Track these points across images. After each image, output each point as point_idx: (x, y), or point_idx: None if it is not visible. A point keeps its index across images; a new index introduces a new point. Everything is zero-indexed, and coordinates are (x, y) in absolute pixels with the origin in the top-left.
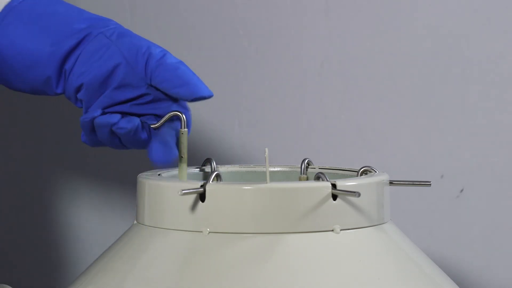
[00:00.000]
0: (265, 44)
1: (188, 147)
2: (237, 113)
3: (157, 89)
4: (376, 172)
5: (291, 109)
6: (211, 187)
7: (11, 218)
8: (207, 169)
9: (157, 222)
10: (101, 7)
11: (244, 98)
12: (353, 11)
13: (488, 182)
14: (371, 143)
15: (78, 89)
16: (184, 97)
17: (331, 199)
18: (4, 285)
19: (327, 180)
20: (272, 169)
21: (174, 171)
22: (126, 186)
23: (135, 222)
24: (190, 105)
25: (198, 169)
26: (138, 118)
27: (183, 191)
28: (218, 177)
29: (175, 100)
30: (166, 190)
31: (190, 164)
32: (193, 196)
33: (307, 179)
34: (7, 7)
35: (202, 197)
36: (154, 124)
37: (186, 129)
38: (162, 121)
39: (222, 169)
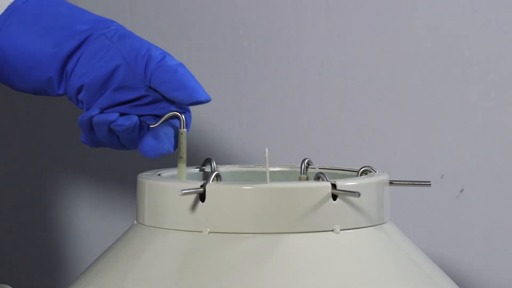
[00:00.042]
0: (265, 44)
1: (188, 147)
2: (237, 113)
3: (156, 91)
4: (376, 172)
5: (291, 109)
6: (211, 187)
7: (11, 218)
8: (207, 169)
9: (157, 222)
10: (101, 7)
11: (244, 98)
12: (353, 11)
13: (488, 182)
14: (371, 143)
15: (79, 90)
16: (181, 101)
17: (331, 199)
18: (4, 285)
19: (327, 180)
20: (272, 169)
21: (174, 171)
22: (126, 186)
23: (135, 222)
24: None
25: (198, 169)
26: (136, 116)
27: (183, 191)
28: (218, 177)
29: (172, 102)
30: (166, 190)
31: (190, 164)
32: (193, 196)
33: (307, 179)
34: (10, 8)
35: (202, 197)
36: (153, 124)
37: (185, 129)
38: (161, 121)
39: (222, 169)
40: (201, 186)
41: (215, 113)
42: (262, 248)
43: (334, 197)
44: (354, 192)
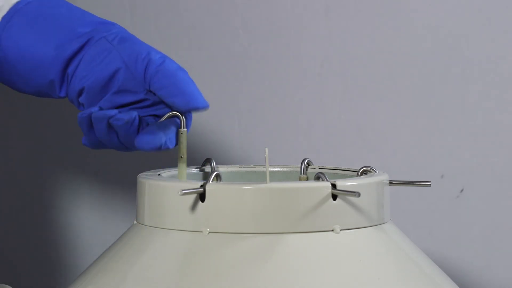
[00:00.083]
0: (265, 44)
1: (188, 147)
2: (237, 113)
3: (156, 95)
4: (376, 172)
5: (291, 109)
6: (211, 187)
7: (11, 218)
8: (207, 169)
9: (157, 222)
10: (101, 7)
11: (244, 98)
12: (353, 11)
13: (488, 182)
14: (371, 143)
15: (80, 93)
16: (179, 107)
17: (331, 199)
18: (4, 285)
19: (327, 180)
20: (272, 169)
21: (174, 171)
22: (126, 186)
23: (135, 222)
24: None
25: (198, 169)
26: (136, 112)
27: (183, 191)
28: (218, 177)
29: (171, 107)
30: (166, 190)
31: (190, 164)
32: (193, 196)
33: (307, 179)
34: (13, 9)
35: (202, 197)
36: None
37: (185, 129)
38: (161, 120)
39: (222, 169)
40: (201, 186)
41: (215, 113)
42: (262, 248)
43: (334, 197)
44: (354, 192)
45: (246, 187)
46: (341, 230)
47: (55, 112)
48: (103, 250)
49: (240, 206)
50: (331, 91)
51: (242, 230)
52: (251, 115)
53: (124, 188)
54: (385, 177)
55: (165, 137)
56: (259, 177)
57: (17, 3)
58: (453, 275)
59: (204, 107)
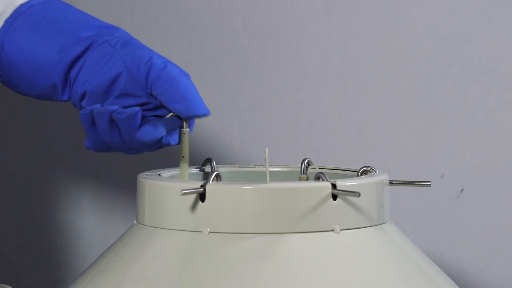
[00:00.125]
0: (265, 44)
1: (189, 147)
2: (237, 113)
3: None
4: (376, 172)
5: (291, 109)
6: (211, 187)
7: (11, 218)
8: (207, 169)
9: (157, 222)
10: (101, 7)
11: (244, 98)
12: (353, 11)
13: (488, 182)
14: (371, 143)
15: (82, 97)
16: (180, 113)
17: (331, 199)
18: (4, 285)
19: (327, 180)
20: (272, 169)
21: (174, 171)
22: (126, 186)
23: (135, 222)
24: None
25: (198, 169)
26: (138, 107)
27: (183, 191)
28: (218, 177)
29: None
30: (166, 190)
31: (190, 164)
32: (193, 196)
33: (307, 179)
34: (16, 12)
35: (202, 197)
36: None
37: (187, 129)
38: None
39: (222, 169)
40: (201, 186)
41: (215, 113)
42: (262, 248)
43: (334, 197)
44: (354, 192)
45: (246, 187)
46: (341, 230)
47: (55, 112)
48: (103, 250)
49: (240, 206)
50: (331, 91)
51: (242, 230)
52: (251, 115)
53: (124, 188)
54: (385, 177)
55: (166, 130)
56: (259, 177)
57: (21, 6)
58: (453, 275)
59: (204, 114)
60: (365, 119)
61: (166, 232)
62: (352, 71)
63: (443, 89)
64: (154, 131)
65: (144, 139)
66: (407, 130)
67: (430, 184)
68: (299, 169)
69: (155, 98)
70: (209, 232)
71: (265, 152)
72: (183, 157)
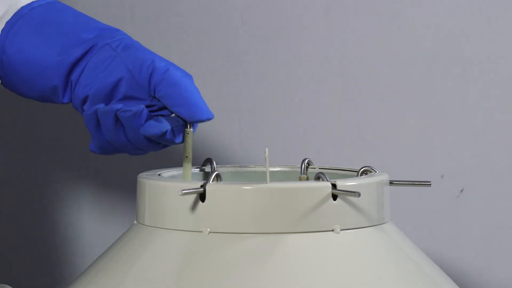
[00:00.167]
0: (265, 44)
1: None
2: (237, 113)
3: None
4: (376, 172)
5: (291, 109)
6: (211, 187)
7: (11, 218)
8: (207, 169)
9: (157, 222)
10: (101, 7)
11: (244, 98)
12: (353, 11)
13: (488, 182)
14: (371, 143)
15: (84, 101)
16: (183, 117)
17: (331, 199)
18: (4, 285)
19: (327, 180)
20: (272, 169)
21: (174, 171)
22: (126, 186)
23: (135, 222)
24: None
25: (198, 169)
26: (143, 105)
27: (183, 191)
28: (218, 177)
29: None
30: (166, 190)
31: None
32: (193, 196)
33: (307, 179)
34: (17, 14)
35: (202, 197)
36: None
37: (191, 129)
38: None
39: (222, 169)
40: (201, 186)
41: (215, 113)
42: (262, 248)
43: (334, 197)
44: (354, 192)
45: (246, 187)
46: (341, 230)
47: (55, 113)
48: (103, 250)
49: (240, 206)
50: (331, 91)
51: (242, 230)
52: (251, 115)
53: (124, 188)
54: (385, 177)
55: (171, 126)
56: (259, 177)
57: (22, 8)
58: (453, 275)
59: (208, 118)
60: (365, 119)
61: (166, 232)
62: (352, 71)
63: (443, 89)
64: (158, 125)
65: (149, 133)
66: (407, 130)
67: (430, 184)
68: (299, 169)
69: (158, 100)
70: (209, 232)
71: (265, 152)
72: (187, 157)
